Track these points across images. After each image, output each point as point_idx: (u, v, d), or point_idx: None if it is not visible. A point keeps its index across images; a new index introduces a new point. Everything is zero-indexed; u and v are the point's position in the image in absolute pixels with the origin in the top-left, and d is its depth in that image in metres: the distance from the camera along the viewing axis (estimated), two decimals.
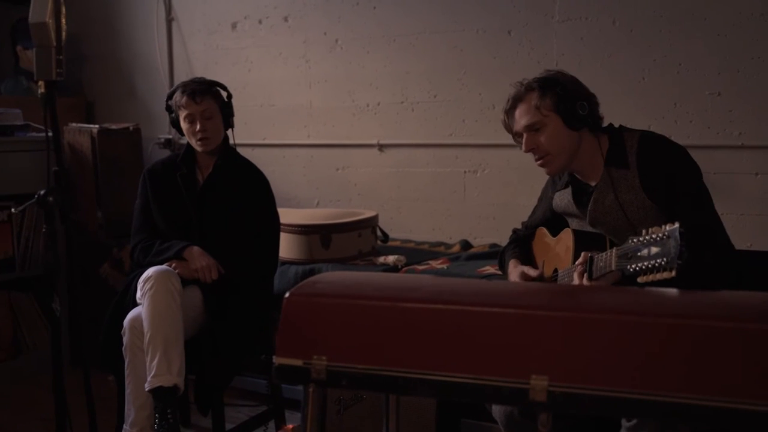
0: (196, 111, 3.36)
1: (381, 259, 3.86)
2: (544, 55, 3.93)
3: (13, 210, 3.77)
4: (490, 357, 1.67)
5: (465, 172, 4.25)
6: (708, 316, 1.59)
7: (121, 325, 3.16)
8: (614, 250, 2.08)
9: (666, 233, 1.84)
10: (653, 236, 1.88)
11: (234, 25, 4.91)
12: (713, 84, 3.56)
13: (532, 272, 2.61)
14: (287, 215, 3.92)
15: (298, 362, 1.79)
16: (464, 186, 4.26)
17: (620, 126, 2.58)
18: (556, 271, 2.61)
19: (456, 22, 4.18)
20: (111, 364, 3.29)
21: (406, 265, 3.79)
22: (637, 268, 1.89)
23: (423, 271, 3.67)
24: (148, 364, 3.02)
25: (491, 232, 4.19)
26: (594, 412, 1.78)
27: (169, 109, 3.48)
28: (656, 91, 3.66)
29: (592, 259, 2.24)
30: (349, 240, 3.93)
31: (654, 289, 1.84)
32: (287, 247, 3.82)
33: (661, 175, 2.40)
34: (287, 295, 1.83)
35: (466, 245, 4.15)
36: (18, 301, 4.67)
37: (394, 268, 3.76)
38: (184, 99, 3.36)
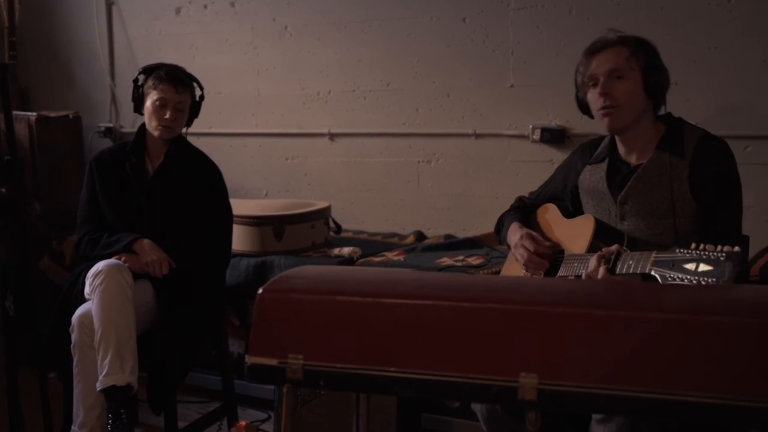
0: (173, 99, 3.26)
1: (336, 251, 3.77)
2: (500, 43, 3.88)
3: None
4: (477, 354, 1.61)
5: (418, 161, 4.18)
6: (702, 311, 1.55)
7: (69, 322, 3.02)
8: (653, 253, 2.00)
9: (723, 255, 1.78)
10: (706, 253, 1.81)
11: (178, 10, 4.76)
12: (670, 73, 3.53)
13: (543, 241, 2.57)
14: (238, 206, 3.80)
15: (273, 361, 1.71)
16: (417, 176, 4.19)
17: (680, 117, 2.57)
18: (562, 252, 2.55)
19: (409, 8, 4.10)
20: (56, 363, 3.16)
21: (362, 257, 3.72)
22: (677, 279, 1.82)
23: (379, 263, 3.60)
24: (99, 362, 2.90)
25: (445, 222, 4.13)
26: (585, 410, 1.74)
27: (136, 82, 3.35)
28: None
29: (619, 253, 2.18)
30: (303, 231, 3.83)
31: (647, 283, 1.80)
32: (239, 239, 3.71)
33: (712, 178, 2.39)
34: (260, 291, 1.75)
35: (420, 236, 4.09)
36: None
37: (349, 260, 3.69)
38: (165, 85, 3.25)
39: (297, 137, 4.48)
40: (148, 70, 3.33)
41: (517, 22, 3.84)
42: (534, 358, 1.58)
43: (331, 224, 4.08)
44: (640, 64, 2.47)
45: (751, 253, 3.00)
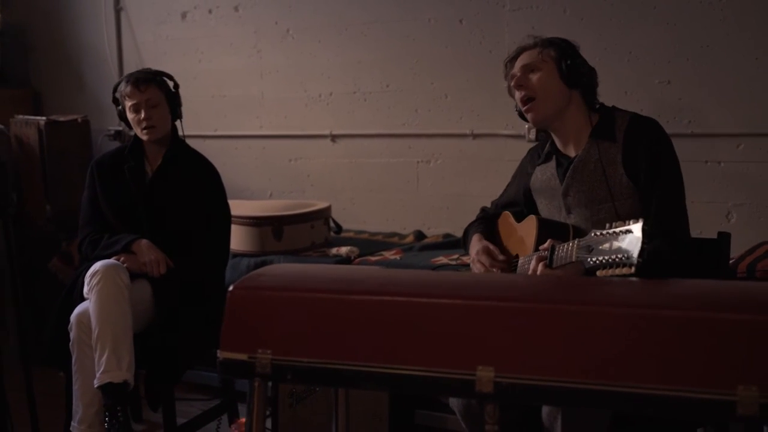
0: (140, 99, 3.31)
1: (334, 251, 3.83)
2: (496, 43, 3.92)
3: None
4: (437, 348, 1.66)
5: (418, 162, 4.23)
6: (655, 305, 1.59)
7: (69, 321, 3.10)
8: (576, 241, 2.06)
9: (629, 229, 1.83)
10: (616, 230, 1.87)
11: (184, 15, 4.84)
12: (663, 72, 3.58)
13: (498, 255, 2.60)
14: (239, 207, 3.87)
15: (243, 356, 1.77)
16: (417, 176, 4.24)
17: (613, 106, 2.61)
18: (516, 257, 2.60)
19: (407, 10, 4.15)
20: (58, 361, 3.23)
21: (360, 256, 3.77)
22: (597, 262, 1.88)
23: (376, 262, 3.65)
24: (96, 360, 2.97)
25: (445, 222, 4.18)
26: (541, 402, 1.78)
27: (116, 101, 3.43)
28: (607, 80, 3.57)
29: (554, 247, 2.23)
30: (302, 231, 3.89)
31: (602, 278, 1.84)
32: (239, 239, 3.78)
33: (644, 156, 2.42)
34: (231, 288, 1.80)
35: (419, 235, 4.13)
36: None
37: (347, 260, 3.74)
38: (129, 88, 3.32)
39: (300, 139, 4.54)
40: (116, 86, 3.43)
41: (512, 23, 3.87)
42: (491, 352, 1.62)
43: (332, 224, 4.13)
44: (552, 56, 2.53)
45: (741, 250, 3.02)
